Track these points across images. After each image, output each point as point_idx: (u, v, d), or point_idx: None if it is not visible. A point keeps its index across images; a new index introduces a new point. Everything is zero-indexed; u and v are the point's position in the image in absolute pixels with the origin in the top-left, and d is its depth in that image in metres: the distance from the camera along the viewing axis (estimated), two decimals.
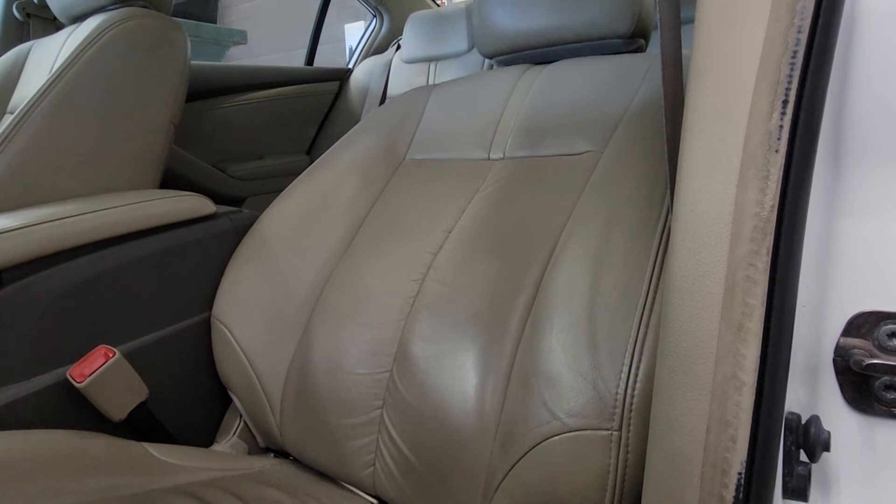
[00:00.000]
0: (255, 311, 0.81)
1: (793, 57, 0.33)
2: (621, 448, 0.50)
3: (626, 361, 0.52)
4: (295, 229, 0.86)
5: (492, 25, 0.89)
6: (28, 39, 1.40)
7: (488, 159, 0.82)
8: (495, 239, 0.72)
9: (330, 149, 0.94)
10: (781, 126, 0.33)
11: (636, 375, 0.52)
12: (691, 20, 1.38)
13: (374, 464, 0.68)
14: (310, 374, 0.75)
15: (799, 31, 0.32)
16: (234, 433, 0.84)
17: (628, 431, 0.50)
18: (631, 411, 0.51)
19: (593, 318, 0.56)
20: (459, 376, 0.64)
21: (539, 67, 0.87)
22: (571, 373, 0.55)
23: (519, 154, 0.80)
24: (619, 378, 0.52)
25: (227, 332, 0.81)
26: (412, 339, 0.70)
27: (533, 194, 0.74)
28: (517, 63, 0.92)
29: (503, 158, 0.81)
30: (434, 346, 0.67)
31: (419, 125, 0.92)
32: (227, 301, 0.84)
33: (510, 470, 0.56)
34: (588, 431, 0.52)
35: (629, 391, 0.51)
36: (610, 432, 0.51)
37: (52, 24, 1.45)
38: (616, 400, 0.51)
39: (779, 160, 0.33)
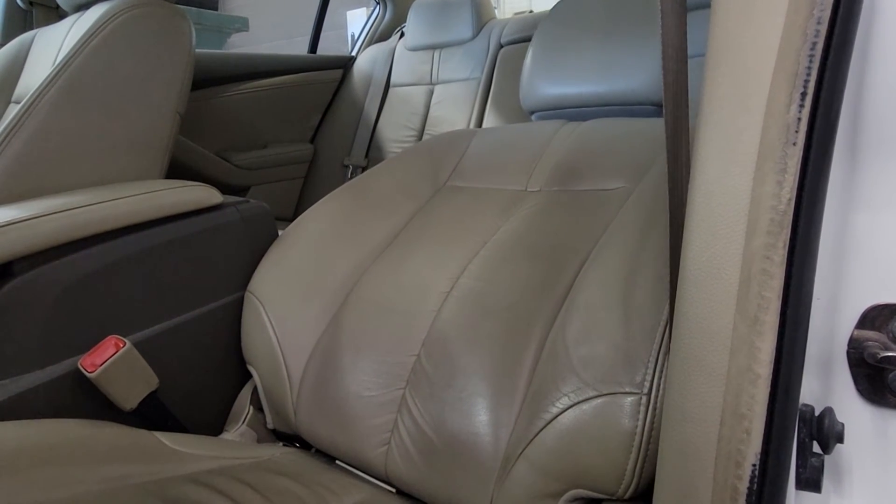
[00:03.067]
0: (289, 291, 0.85)
1: (812, 49, 0.32)
2: (649, 411, 0.52)
3: (658, 335, 0.55)
4: (338, 225, 0.91)
5: (539, 85, 1.00)
6: (31, 28, 1.39)
7: (525, 191, 0.88)
8: (532, 247, 0.76)
9: (376, 166, 1.01)
10: (800, 119, 0.33)
11: (667, 346, 0.54)
12: (697, 6, 1.37)
13: (388, 442, 0.70)
14: (335, 355, 0.77)
15: (818, 23, 0.32)
16: (243, 422, 0.85)
17: (657, 396, 0.52)
18: (661, 377, 0.53)
19: (629, 300, 0.59)
20: (488, 357, 0.67)
21: (576, 122, 0.95)
22: (604, 344, 0.57)
23: (555, 188, 0.86)
24: (651, 348, 0.54)
25: (261, 307, 0.84)
26: (444, 325, 0.72)
27: (569, 216, 0.79)
28: (555, 118, 1.00)
29: (540, 191, 0.87)
30: (466, 331, 0.70)
31: (462, 158, 0.99)
32: (265, 278, 0.87)
33: (534, 437, 0.58)
34: (618, 395, 0.54)
35: (660, 359, 0.53)
36: (639, 396, 0.53)
37: (54, 13, 1.44)
38: (647, 367, 0.54)
39: (796, 153, 0.33)
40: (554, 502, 0.57)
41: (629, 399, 0.53)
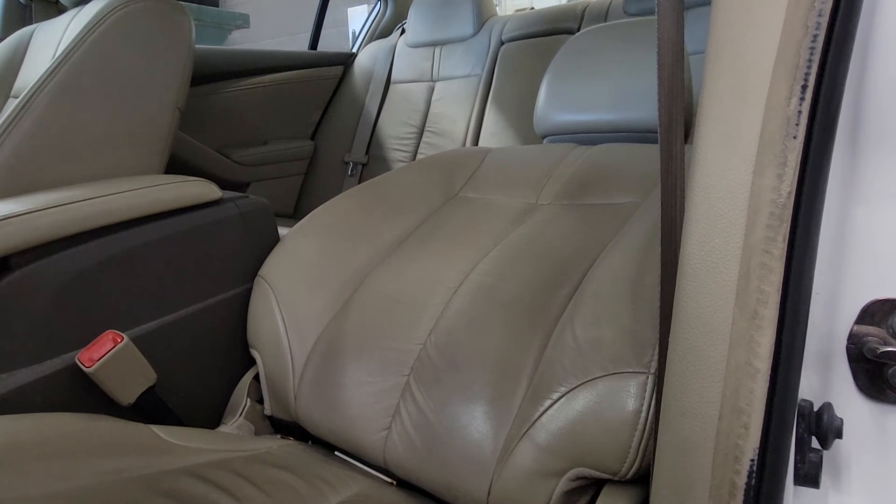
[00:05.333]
0: (301, 279, 0.86)
1: (813, 41, 0.32)
2: (655, 391, 0.52)
3: None
4: (351, 221, 0.93)
5: (553, 112, 1.04)
6: (31, 22, 1.39)
7: (536, 203, 0.91)
8: (542, 250, 0.78)
9: (390, 171, 1.06)
10: (800, 112, 0.32)
11: None
12: (696, 4, 1.38)
13: (389, 427, 0.70)
14: (340, 342, 0.78)
15: (819, 15, 0.32)
16: (241, 414, 0.85)
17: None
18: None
19: (636, 291, 0.60)
20: (495, 344, 0.68)
21: (587, 146, 0.99)
22: (613, 329, 0.58)
23: (565, 202, 0.89)
24: (659, 331, 0.54)
25: (270, 293, 0.86)
26: (452, 315, 0.73)
27: (579, 224, 0.81)
28: (566, 142, 1.05)
29: (550, 204, 0.90)
30: (473, 321, 0.71)
31: (475, 172, 1.03)
32: (278, 264, 0.89)
33: (539, 417, 0.58)
34: (625, 374, 0.55)
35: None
36: (646, 375, 0.54)
37: (54, 7, 1.43)
38: (654, 348, 0.54)
39: (797, 146, 0.32)
40: (556, 481, 0.57)
41: (636, 379, 0.54)
